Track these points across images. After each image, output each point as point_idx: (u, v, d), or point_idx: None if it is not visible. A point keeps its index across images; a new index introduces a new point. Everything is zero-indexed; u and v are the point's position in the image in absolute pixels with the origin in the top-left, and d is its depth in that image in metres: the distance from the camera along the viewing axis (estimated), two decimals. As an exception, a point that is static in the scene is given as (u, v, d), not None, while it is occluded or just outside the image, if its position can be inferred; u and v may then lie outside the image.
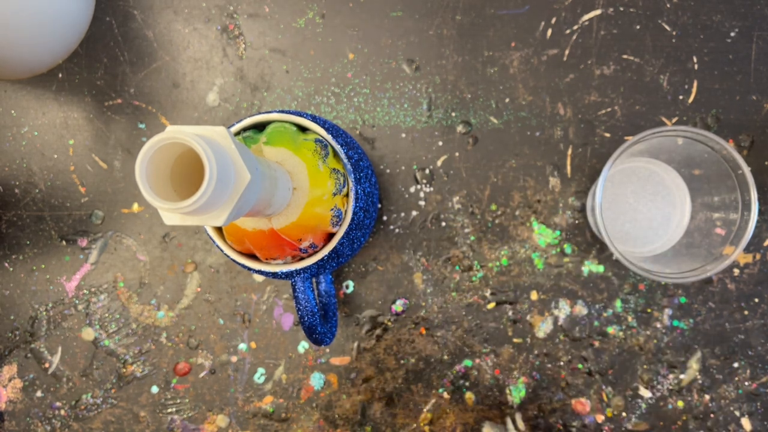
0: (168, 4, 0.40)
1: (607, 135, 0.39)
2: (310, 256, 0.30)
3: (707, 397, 0.39)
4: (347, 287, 0.40)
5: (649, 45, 0.39)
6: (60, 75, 0.41)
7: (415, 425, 0.39)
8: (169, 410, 0.40)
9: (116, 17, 0.40)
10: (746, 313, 0.39)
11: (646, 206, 0.39)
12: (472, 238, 0.40)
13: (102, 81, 0.40)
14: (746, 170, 0.33)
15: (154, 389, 0.40)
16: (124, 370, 0.40)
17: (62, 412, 0.40)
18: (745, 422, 0.38)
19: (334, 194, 0.29)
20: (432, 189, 0.40)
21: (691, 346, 0.39)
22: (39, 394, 0.40)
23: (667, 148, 0.37)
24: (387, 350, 0.40)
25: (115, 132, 0.40)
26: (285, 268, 0.30)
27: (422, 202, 0.40)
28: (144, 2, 0.41)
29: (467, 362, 0.39)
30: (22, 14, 0.34)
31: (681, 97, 0.39)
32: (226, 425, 0.40)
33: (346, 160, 0.30)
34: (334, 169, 0.29)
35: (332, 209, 0.29)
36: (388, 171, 0.40)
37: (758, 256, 0.39)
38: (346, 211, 0.30)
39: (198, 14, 0.40)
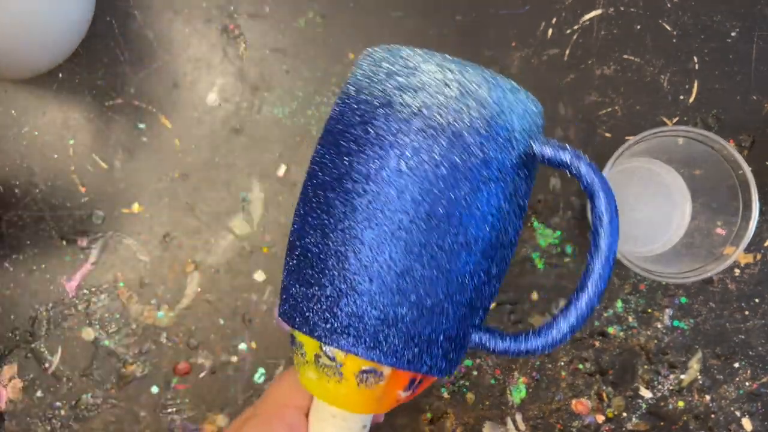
0: (168, 4, 0.40)
1: (608, 135, 0.39)
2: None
3: (708, 397, 0.39)
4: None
5: (650, 45, 0.39)
6: (60, 75, 0.40)
7: (415, 425, 0.39)
8: (169, 410, 0.40)
9: (116, 17, 0.40)
10: (747, 313, 0.39)
11: (647, 206, 0.39)
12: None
13: (102, 81, 0.40)
14: (747, 170, 0.33)
15: (154, 389, 0.40)
16: (124, 370, 0.40)
17: (62, 412, 0.40)
18: (746, 422, 0.38)
19: (359, 385, 0.26)
20: (432, 189, 0.40)
21: (692, 346, 0.39)
22: (39, 394, 0.40)
23: (668, 148, 0.37)
24: (387, 350, 0.40)
25: (115, 132, 0.40)
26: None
27: (422, 202, 0.40)
28: (144, 2, 0.40)
29: (467, 362, 0.39)
30: (22, 14, 0.34)
31: (681, 97, 0.39)
32: (226, 425, 0.40)
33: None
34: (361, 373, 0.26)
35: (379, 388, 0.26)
36: (388, 171, 0.40)
37: (759, 257, 0.39)
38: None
39: (198, 14, 0.40)
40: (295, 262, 0.26)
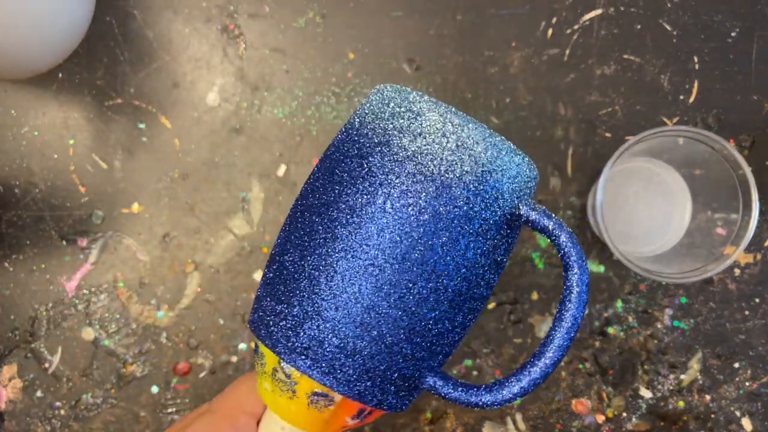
0: (168, 4, 0.40)
1: (608, 135, 0.39)
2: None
3: (708, 397, 0.39)
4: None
5: (650, 45, 0.39)
6: (60, 75, 0.40)
7: (415, 425, 0.39)
8: (169, 410, 0.40)
9: (116, 17, 0.40)
10: (747, 313, 0.39)
11: (647, 206, 0.39)
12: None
13: (102, 81, 0.40)
14: (747, 170, 0.33)
15: (154, 389, 0.40)
16: (124, 370, 0.40)
17: (62, 412, 0.40)
18: (746, 422, 0.38)
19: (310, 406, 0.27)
20: (432, 189, 0.40)
21: (692, 346, 0.39)
22: (39, 394, 0.40)
23: (668, 148, 0.37)
24: (387, 350, 0.40)
25: (115, 132, 0.40)
26: None
27: (422, 202, 0.40)
28: (144, 2, 0.40)
29: (467, 362, 0.39)
30: (22, 14, 0.34)
31: (682, 97, 0.39)
32: (226, 425, 0.40)
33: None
34: (312, 393, 0.27)
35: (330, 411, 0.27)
36: (388, 171, 0.40)
37: (759, 256, 0.39)
38: None
39: (198, 14, 0.40)
40: (271, 275, 0.27)
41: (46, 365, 0.40)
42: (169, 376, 0.40)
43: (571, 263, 0.25)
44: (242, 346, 0.40)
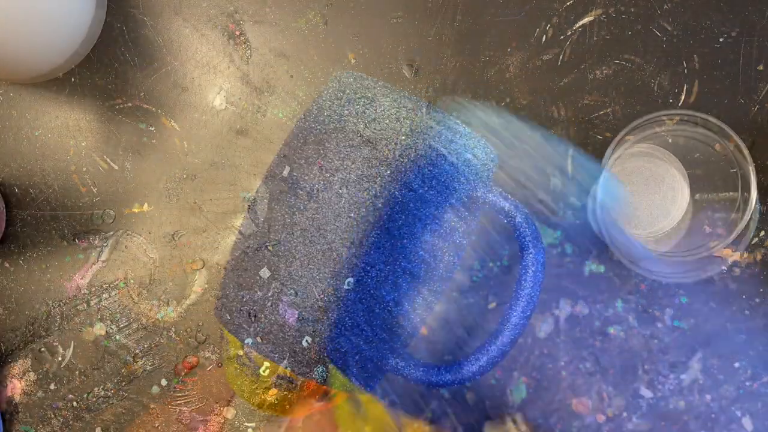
0: (177, 10, 0.42)
1: (608, 135, 0.39)
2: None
3: (708, 396, 0.38)
4: (348, 284, 0.40)
5: (650, 45, 0.39)
6: (66, 77, 0.42)
7: (415, 425, 0.40)
8: (178, 402, 0.41)
9: (127, 23, 0.42)
10: (747, 313, 0.38)
11: (647, 206, 0.39)
12: (474, 237, 0.40)
13: (110, 84, 0.42)
14: (747, 170, 0.33)
15: (163, 382, 0.41)
16: (134, 364, 0.41)
17: (74, 403, 0.41)
18: (747, 422, 0.38)
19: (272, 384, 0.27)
20: (432, 189, 0.40)
21: (693, 345, 0.39)
22: (52, 386, 0.41)
23: (668, 147, 0.37)
24: (388, 348, 0.40)
25: (123, 134, 0.42)
26: None
27: (423, 202, 0.40)
28: (153, 9, 0.42)
29: (467, 360, 0.40)
30: (26, 15, 0.34)
31: (682, 97, 0.39)
32: (233, 417, 0.41)
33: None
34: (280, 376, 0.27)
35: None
36: (389, 171, 0.40)
37: (759, 256, 0.38)
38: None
39: (205, 21, 0.42)
40: (234, 263, 0.27)
41: (59, 359, 0.41)
42: (178, 369, 0.41)
43: (526, 243, 0.25)
44: (248, 340, 0.41)
